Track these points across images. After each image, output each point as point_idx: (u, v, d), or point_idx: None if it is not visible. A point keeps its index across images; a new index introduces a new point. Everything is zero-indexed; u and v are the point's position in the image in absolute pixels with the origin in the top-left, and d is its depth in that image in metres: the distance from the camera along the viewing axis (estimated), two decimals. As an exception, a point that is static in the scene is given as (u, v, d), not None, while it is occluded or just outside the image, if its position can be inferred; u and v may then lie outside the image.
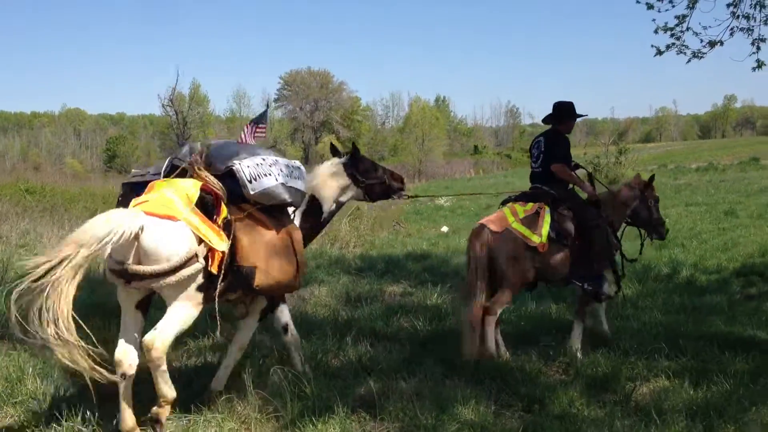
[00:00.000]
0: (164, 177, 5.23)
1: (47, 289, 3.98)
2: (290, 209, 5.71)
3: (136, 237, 4.39)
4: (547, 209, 6.79)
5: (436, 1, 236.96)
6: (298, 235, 5.39)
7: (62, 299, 4.03)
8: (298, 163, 5.69)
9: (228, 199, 5.01)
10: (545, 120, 7.38)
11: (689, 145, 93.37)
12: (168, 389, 4.70)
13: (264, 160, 5.25)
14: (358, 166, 6.46)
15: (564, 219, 6.86)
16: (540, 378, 6.11)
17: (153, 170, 5.55)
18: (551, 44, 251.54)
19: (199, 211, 4.73)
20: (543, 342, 7.18)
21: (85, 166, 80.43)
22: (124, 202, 5.17)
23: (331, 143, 6.98)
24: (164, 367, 4.63)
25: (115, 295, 4.85)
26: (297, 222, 5.88)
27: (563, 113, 7.23)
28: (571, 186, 7.25)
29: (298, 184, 5.45)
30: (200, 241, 4.65)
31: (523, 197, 7.10)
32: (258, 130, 6.42)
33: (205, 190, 4.90)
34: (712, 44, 8.88)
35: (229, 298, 5.10)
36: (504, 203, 7.20)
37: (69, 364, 4.12)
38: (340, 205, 6.44)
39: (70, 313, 4.06)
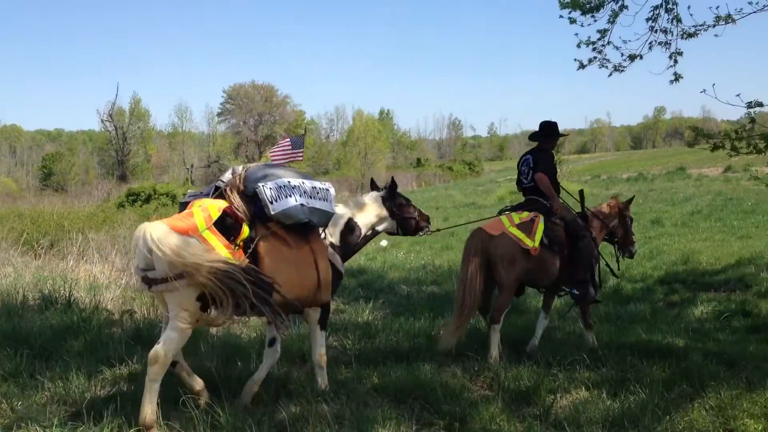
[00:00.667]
0: (212, 195, 5.71)
1: None
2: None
3: (150, 244, 4.86)
4: (542, 218, 7.43)
5: (379, 16, 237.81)
6: (323, 253, 5.82)
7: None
8: (328, 185, 6.02)
9: (256, 219, 5.48)
10: (531, 137, 8.14)
11: (622, 156, 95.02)
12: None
13: (289, 182, 5.64)
14: (395, 200, 6.90)
15: (556, 228, 7.55)
16: (463, 394, 6.13)
17: (205, 190, 5.95)
18: (492, 58, 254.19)
19: (215, 230, 5.16)
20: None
21: (20, 185, 78.33)
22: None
23: (372, 178, 7.51)
24: (158, 382, 5.10)
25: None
26: (335, 239, 6.33)
27: (549, 132, 7.96)
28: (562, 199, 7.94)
29: (322, 205, 5.80)
30: None
31: (519, 208, 7.80)
32: (293, 153, 6.59)
33: (227, 213, 5.35)
34: (632, 58, 9.08)
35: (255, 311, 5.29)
36: (500, 213, 7.86)
37: None
38: (375, 233, 6.87)
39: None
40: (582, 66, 9.30)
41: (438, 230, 8.24)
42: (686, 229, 18.53)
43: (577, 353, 7.12)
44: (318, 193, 5.79)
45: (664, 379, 6.37)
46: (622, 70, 9.29)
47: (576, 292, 7.67)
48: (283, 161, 6.77)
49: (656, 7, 9.14)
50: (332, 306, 9.92)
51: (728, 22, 8.27)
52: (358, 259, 16.57)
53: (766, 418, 5.51)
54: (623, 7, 9.06)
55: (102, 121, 79.48)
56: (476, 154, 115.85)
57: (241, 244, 5.33)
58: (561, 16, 9.19)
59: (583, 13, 9.05)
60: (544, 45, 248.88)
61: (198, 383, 5.67)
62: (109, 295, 9.72)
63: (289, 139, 7.23)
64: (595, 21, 9.15)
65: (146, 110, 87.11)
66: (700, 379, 6.28)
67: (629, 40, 9.14)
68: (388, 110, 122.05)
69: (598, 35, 9.19)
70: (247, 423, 5.16)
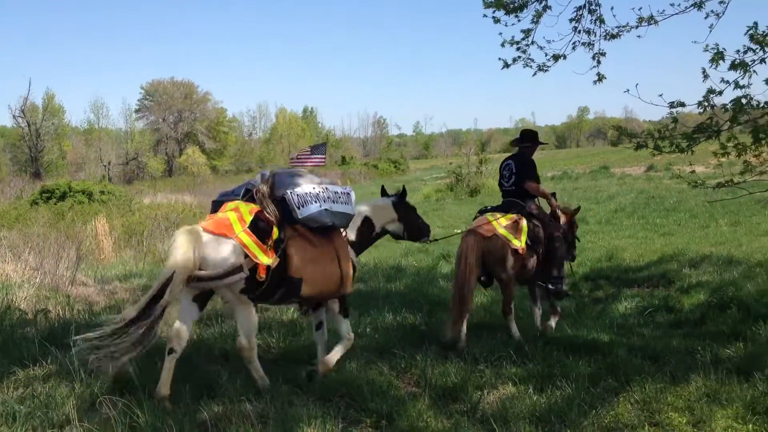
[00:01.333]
0: (243, 197, 6.28)
1: None
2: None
3: (198, 249, 5.59)
4: (524, 220, 8.06)
5: (302, 14, 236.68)
6: (345, 251, 6.47)
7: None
8: (349, 189, 6.68)
9: (284, 221, 6.08)
10: (513, 143, 8.92)
11: (546, 155, 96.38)
12: (260, 378, 6.03)
13: (314, 188, 6.28)
14: (404, 205, 7.57)
15: (536, 229, 8.20)
16: (390, 391, 6.02)
17: (236, 190, 6.50)
18: (417, 56, 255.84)
19: (250, 231, 5.76)
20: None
21: (-77, 184, 75.47)
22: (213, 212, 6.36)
23: (383, 185, 7.98)
24: (256, 362, 6.04)
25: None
26: (352, 236, 6.96)
27: (529, 139, 8.70)
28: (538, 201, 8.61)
29: (344, 208, 6.44)
30: (247, 255, 5.69)
31: (499, 209, 8.39)
32: (315, 159, 7.82)
33: (259, 216, 5.90)
34: (556, 58, 9.08)
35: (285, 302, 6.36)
36: (481, 213, 8.54)
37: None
38: (384, 232, 7.46)
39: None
40: (506, 65, 9.26)
41: (436, 240, 8.75)
42: (610, 227, 18.85)
43: (504, 349, 7.12)
44: (340, 197, 6.43)
45: (589, 373, 6.38)
46: (546, 70, 9.29)
47: (551, 287, 8.45)
48: (305, 167, 7.46)
49: (579, 8, 9.18)
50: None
51: (650, 23, 8.33)
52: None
53: (689, 411, 5.56)
54: (547, 7, 9.07)
55: (14, 116, 77.42)
56: (402, 153, 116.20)
57: (272, 244, 5.88)
58: (485, 15, 9.14)
59: (507, 13, 9.02)
60: (469, 44, 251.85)
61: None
62: (22, 294, 9.43)
63: (310, 148, 8.10)
64: (519, 21, 9.14)
65: (60, 106, 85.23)
66: (625, 373, 6.33)
67: (553, 40, 9.15)
68: (312, 108, 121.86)
69: (522, 35, 9.18)
70: (167, 423, 4.97)
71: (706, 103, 7.37)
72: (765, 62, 7.21)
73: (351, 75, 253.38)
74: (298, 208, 6.06)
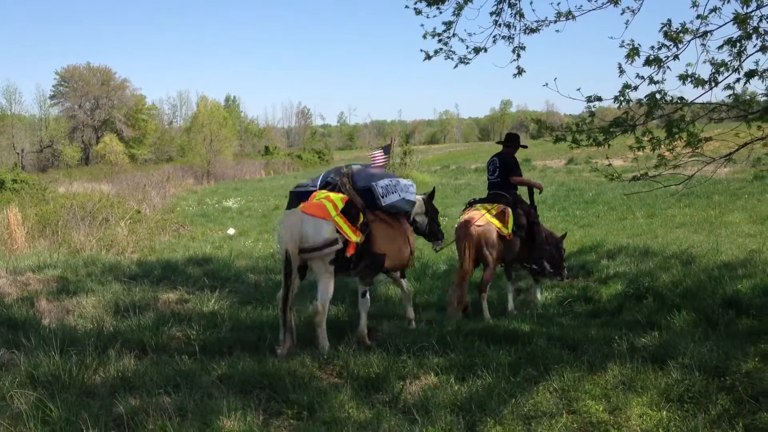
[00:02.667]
0: (320, 189, 7.68)
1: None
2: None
3: (301, 227, 7.00)
4: (510, 209, 9.35)
5: (222, 1, 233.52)
6: (411, 231, 8.33)
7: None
8: (410, 182, 8.17)
9: (367, 208, 7.51)
10: (499, 143, 10.39)
11: (470, 147, 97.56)
12: (322, 339, 7.14)
13: (391, 181, 7.84)
14: (431, 205, 8.96)
15: (520, 217, 9.48)
16: (312, 383, 5.99)
17: (311, 183, 7.97)
18: (341, 47, 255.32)
19: (342, 215, 7.18)
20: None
21: None
22: (290, 205, 7.78)
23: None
24: (323, 326, 7.15)
25: None
26: None
27: (513, 141, 10.16)
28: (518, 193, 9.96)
29: (412, 197, 8.04)
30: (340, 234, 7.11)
31: (486, 200, 9.67)
32: (384, 158, 9.14)
33: (349, 202, 7.33)
34: (477, 51, 9.12)
35: (362, 273, 7.74)
36: (470, 204, 9.80)
37: None
38: (414, 221, 8.71)
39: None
40: (428, 57, 9.27)
41: (442, 248, 9.49)
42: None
43: (426, 339, 7.14)
44: (408, 188, 7.97)
45: (510, 363, 6.44)
46: (467, 62, 9.33)
47: (534, 266, 9.81)
48: (378, 165, 8.92)
49: (500, 2, 9.21)
50: (176, 296, 9.70)
51: (568, 18, 8.44)
52: (203, 248, 16.17)
53: (606, 399, 5.66)
54: (468, 0, 9.12)
55: None
56: (326, 143, 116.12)
57: (359, 226, 7.30)
58: (407, 6, 9.15)
59: (429, 5, 9.02)
60: (394, 35, 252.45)
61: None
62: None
63: (382, 149, 9.41)
64: (441, 13, 9.14)
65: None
66: (544, 362, 6.40)
67: (474, 33, 9.18)
68: (234, 97, 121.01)
69: (444, 27, 9.20)
70: (81, 417, 4.83)
71: (622, 98, 7.50)
72: (678, 58, 7.39)
73: (275, 64, 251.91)
74: (382, 197, 7.63)
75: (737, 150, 8.20)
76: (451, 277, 10.41)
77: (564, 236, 10.58)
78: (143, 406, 5.23)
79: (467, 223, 9.15)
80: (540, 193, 10.33)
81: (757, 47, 7.07)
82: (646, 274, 10.46)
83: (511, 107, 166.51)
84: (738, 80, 7.17)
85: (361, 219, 7.37)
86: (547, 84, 8.00)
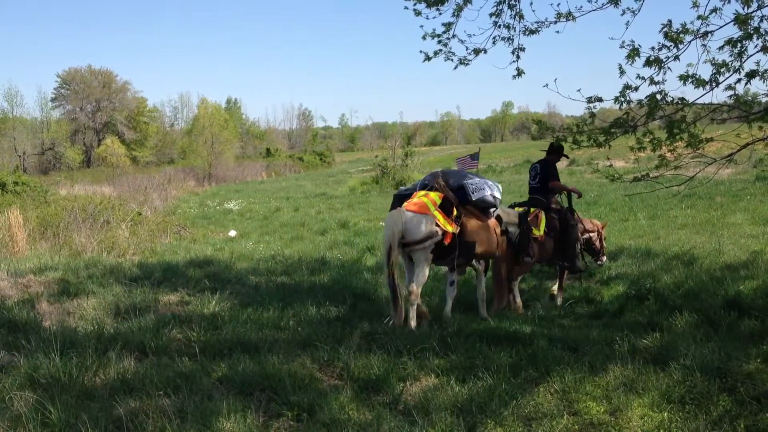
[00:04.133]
0: (419, 190, 8.84)
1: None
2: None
3: (404, 221, 8.18)
4: (543, 213, 10.18)
5: (224, 1, 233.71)
6: (496, 224, 9.27)
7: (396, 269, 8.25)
8: (496, 182, 9.16)
9: (459, 203, 8.61)
10: (544, 151, 10.78)
11: (472, 149, 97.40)
12: (412, 319, 8.19)
13: (479, 180, 8.90)
14: (526, 219, 9.88)
15: (552, 220, 10.27)
16: (312, 384, 5.98)
17: (411, 188, 9.29)
18: (342, 49, 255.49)
19: (440, 210, 8.39)
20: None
21: None
22: (393, 206, 8.90)
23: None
24: (415, 306, 8.26)
25: None
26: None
27: (557, 151, 10.49)
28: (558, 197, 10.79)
29: (498, 194, 8.94)
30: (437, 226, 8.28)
31: (524, 204, 10.51)
32: (472, 163, 10.59)
33: (444, 199, 8.53)
34: (476, 52, 9.11)
35: (458, 262, 8.69)
36: (511, 207, 10.46)
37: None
38: (505, 230, 9.66)
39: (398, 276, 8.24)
40: (428, 58, 9.27)
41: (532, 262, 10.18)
42: (532, 220, 19.10)
43: (427, 341, 7.12)
44: (495, 187, 8.92)
45: (511, 364, 6.44)
46: (467, 64, 9.32)
47: (566, 264, 10.37)
48: (464, 168, 9.82)
49: (499, 3, 9.21)
50: (177, 298, 9.68)
51: (568, 20, 8.43)
52: (204, 250, 16.17)
53: (607, 400, 5.65)
54: (467, 1, 9.08)
55: None
56: (327, 145, 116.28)
57: (453, 219, 8.46)
58: (406, 8, 9.14)
59: (428, 6, 9.02)
60: (395, 37, 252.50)
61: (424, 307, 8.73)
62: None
63: (469, 155, 10.97)
64: (440, 14, 9.13)
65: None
66: (545, 363, 6.40)
67: (474, 34, 9.18)
68: (236, 99, 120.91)
69: (444, 28, 9.19)
70: (80, 419, 4.82)
71: (622, 99, 7.50)
72: (679, 59, 7.38)
73: (276, 66, 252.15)
74: (473, 193, 8.64)
75: (739, 151, 8.20)
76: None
77: (605, 224, 11.66)
78: (143, 408, 5.22)
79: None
80: (579, 197, 11.05)
81: (758, 48, 7.06)
82: (647, 276, 10.45)
83: (513, 109, 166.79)
84: (739, 81, 7.17)
85: (455, 212, 8.53)
86: (547, 85, 8.01)
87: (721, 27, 7.22)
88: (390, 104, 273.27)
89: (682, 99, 7.54)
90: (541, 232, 10.00)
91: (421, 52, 9.20)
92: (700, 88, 7.12)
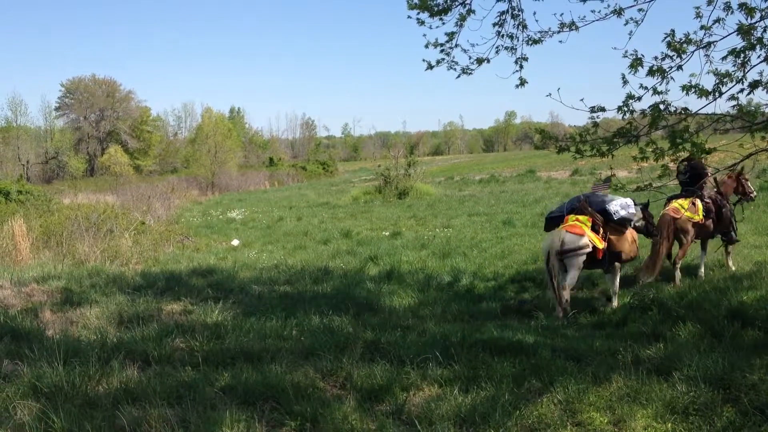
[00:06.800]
0: (567, 213, 10.53)
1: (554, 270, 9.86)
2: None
3: (562, 238, 9.86)
4: (699, 201, 11.58)
5: (227, 12, 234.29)
6: (634, 235, 10.73)
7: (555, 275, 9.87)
8: (630, 200, 10.47)
9: (604, 222, 10.16)
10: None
11: (474, 158, 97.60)
12: (560, 312, 9.74)
13: (618, 201, 10.27)
14: (647, 212, 11.06)
15: (708, 205, 11.71)
16: (315, 394, 5.97)
17: (558, 210, 10.96)
18: (345, 58, 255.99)
19: (592, 230, 10.04)
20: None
21: None
22: (548, 226, 11.01)
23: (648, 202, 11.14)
24: (565, 299, 9.81)
25: None
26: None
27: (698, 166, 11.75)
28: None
29: (633, 210, 10.39)
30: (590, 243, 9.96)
31: (679, 196, 11.80)
32: (604, 186, 11.10)
33: (594, 222, 10.12)
34: (479, 61, 9.10)
35: (608, 266, 10.41)
36: (669, 199, 11.84)
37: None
38: (635, 226, 10.80)
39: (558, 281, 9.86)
40: (430, 67, 9.25)
41: (657, 238, 11.28)
42: (536, 230, 19.05)
43: (430, 350, 7.11)
44: (630, 206, 10.33)
45: (514, 374, 6.42)
46: (470, 73, 9.30)
47: (725, 238, 12.20)
48: (599, 190, 10.87)
49: (502, 13, 9.20)
50: (180, 307, 9.69)
51: (572, 29, 8.42)
52: (207, 259, 16.18)
53: (611, 410, 5.63)
54: (470, 11, 9.07)
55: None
56: (330, 154, 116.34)
57: (602, 236, 10.11)
58: (410, 17, 9.13)
59: (432, 15, 9.00)
60: (398, 46, 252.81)
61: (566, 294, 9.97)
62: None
63: (602, 181, 11.32)
64: (444, 24, 9.11)
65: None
66: (548, 374, 6.36)
67: (477, 44, 9.16)
68: (239, 108, 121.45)
69: (446, 38, 9.18)
70: (83, 428, 4.82)
71: (625, 108, 7.49)
72: (682, 69, 7.37)
73: (279, 76, 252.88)
74: (615, 213, 10.11)
75: (742, 161, 8.20)
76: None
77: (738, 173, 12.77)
78: (146, 418, 5.20)
79: (666, 215, 11.34)
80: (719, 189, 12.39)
81: (761, 58, 7.05)
82: (650, 286, 10.43)
83: (516, 118, 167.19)
84: (742, 91, 7.15)
85: (601, 231, 10.14)
86: (550, 94, 7.98)
87: (724, 37, 7.22)
88: (393, 114, 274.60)
89: (685, 109, 7.53)
90: (701, 217, 11.50)
91: (423, 60, 9.19)
92: (703, 98, 7.10)
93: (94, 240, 17.52)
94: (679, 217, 11.40)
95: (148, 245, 18.25)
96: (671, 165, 7.99)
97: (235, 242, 21.18)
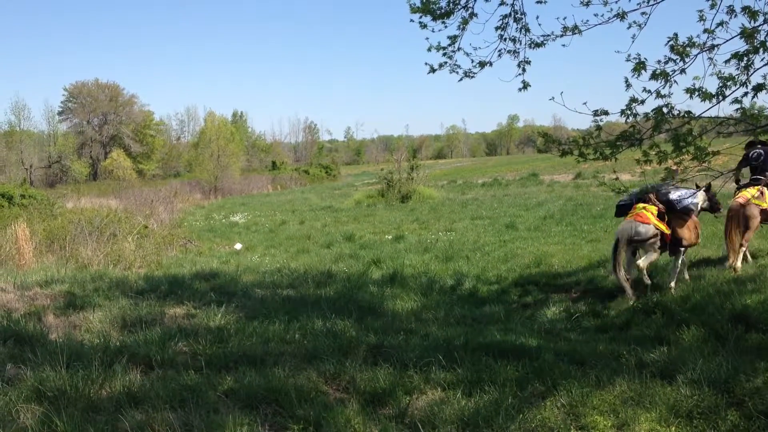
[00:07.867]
0: (636, 202, 11.32)
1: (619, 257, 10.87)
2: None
3: (636, 229, 10.77)
4: (766, 188, 12.30)
5: (230, 15, 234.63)
6: (697, 221, 11.57)
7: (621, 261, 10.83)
8: (695, 190, 11.22)
9: (668, 210, 11.11)
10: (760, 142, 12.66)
11: (477, 162, 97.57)
12: (629, 290, 10.71)
13: (682, 191, 11.12)
14: (710, 193, 12.02)
15: None
16: (318, 398, 5.96)
17: (628, 199, 11.52)
18: (347, 62, 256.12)
19: (658, 218, 10.93)
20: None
21: None
22: (618, 212, 11.88)
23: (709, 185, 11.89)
24: (647, 277, 10.82)
25: None
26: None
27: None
28: None
29: (695, 200, 11.41)
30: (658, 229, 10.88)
31: (749, 185, 12.51)
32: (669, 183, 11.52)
33: (659, 211, 11.04)
34: (482, 65, 9.09)
35: (673, 251, 11.19)
36: (739, 188, 12.58)
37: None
38: (702, 208, 12.07)
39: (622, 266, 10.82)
40: (432, 70, 9.23)
41: (722, 214, 12.43)
42: (539, 233, 19.09)
43: (433, 354, 7.10)
44: (695, 196, 11.23)
45: (517, 378, 6.41)
46: (473, 76, 9.29)
47: None
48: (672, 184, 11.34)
49: (505, 17, 9.18)
50: (183, 311, 9.68)
51: (575, 33, 8.41)
52: (210, 263, 16.19)
53: (614, 414, 5.62)
54: (473, 14, 9.05)
55: (-70, 117, 74.56)
56: (333, 158, 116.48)
57: (665, 223, 10.97)
58: (412, 20, 9.12)
59: (434, 19, 8.98)
60: (400, 50, 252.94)
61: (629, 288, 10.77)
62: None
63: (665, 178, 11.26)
64: (446, 27, 9.09)
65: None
66: (552, 377, 6.36)
67: (479, 47, 9.14)
68: (242, 112, 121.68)
69: (449, 41, 9.17)
70: (89, 432, 4.82)
71: (628, 112, 7.49)
72: (685, 72, 7.36)
73: (282, 80, 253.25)
74: (678, 203, 11.03)
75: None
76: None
77: None
78: (149, 422, 5.20)
79: (735, 203, 12.02)
80: None
81: (765, 61, 7.04)
82: (654, 289, 10.42)
83: (519, 122, 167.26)
84: (746, 94, 7.14)
85: (665, 218, 11.05)
86: (553, 98, 7.97)
87: (727, 41, 7.22)
88: (396, 117, 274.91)
89: (689, 112, 7.52)
90: (767, 204, 12.21)
91: (426, 64, 9.18)
92: (707, 102, 7.10)
93: (97, 244, 17.54)
94: (745, 203, 12.10)
95: (151, 249, 18.27)
96: (675, 168, 7.98)
97: (238, 246, 21.20)
